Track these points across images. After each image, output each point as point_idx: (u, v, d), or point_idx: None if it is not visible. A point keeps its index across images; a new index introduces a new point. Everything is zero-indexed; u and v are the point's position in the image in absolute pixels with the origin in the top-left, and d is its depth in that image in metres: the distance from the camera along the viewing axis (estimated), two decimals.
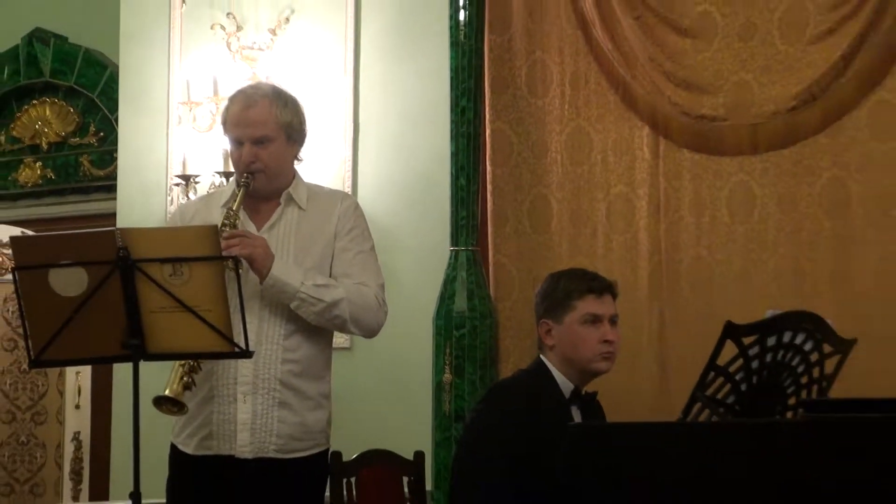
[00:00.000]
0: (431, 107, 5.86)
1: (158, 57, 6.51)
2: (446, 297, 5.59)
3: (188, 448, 4.42)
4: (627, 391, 5.06)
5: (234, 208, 4.30)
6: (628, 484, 3.49)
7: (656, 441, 3.63)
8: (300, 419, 4.39)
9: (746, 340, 3.69)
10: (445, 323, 5.58)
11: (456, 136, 5.66)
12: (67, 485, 5.95)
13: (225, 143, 4.68)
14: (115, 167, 6.74)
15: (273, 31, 6.23)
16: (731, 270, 5.40)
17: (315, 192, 4.60)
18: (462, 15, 5.68)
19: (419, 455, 5.09)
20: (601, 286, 4.44)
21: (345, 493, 4.70)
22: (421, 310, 5.66)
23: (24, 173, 7.84)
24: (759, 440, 3.46)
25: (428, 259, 5.76)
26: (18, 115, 8.00)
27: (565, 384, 4.39)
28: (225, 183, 4.59)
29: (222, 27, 6.34)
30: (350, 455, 4.75)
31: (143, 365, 3.97)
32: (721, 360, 3.69)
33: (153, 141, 6.49)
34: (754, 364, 3.74)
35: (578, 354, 4.38)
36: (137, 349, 3.98)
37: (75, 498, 5.96)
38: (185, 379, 4.20)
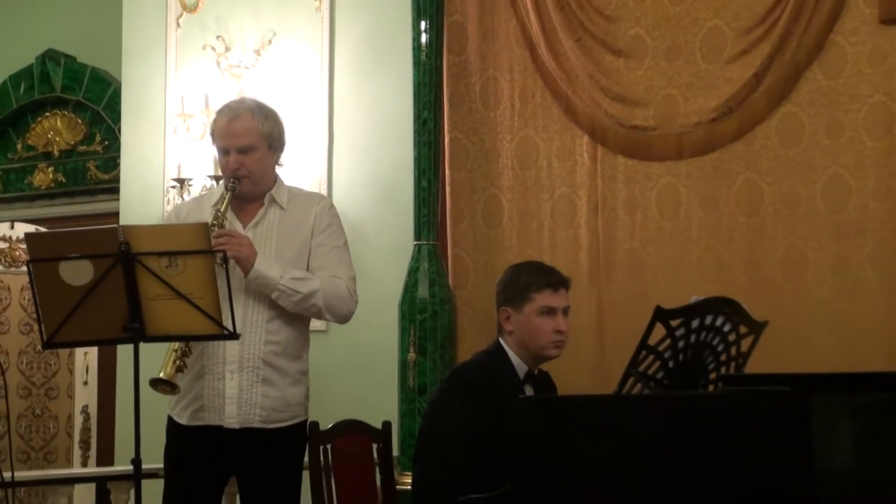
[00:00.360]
0: (397, 118, 5.87)
1: (156, 74, 6.50)
2: (410, 285, 5.60)
3: (182, 419, 4.43)
4: (571, 368, 5.07)
5: (221, 209, 4.34)
6: (571, 448, 3.51)
7: (595, 411, 3.65)
8: (281, 394, 4.40)
9: (674, 323, 3.73)
10: (409, 308, 5.59)
11: (418, 144, 5.67)
12: (77, 452, 5.94)
13: (215, 151, 4.67)
14: (118, 172, 6.73)
15: (257, 52, 6.23)
16: (660, 261, 5.42)
17: (294, 193, 4.62)
18: (424, 38, 5.68)
19: (387, 425, 5.10)
20: (557, 281, 4.44)
21: (321, 458, 4.71)
22: (388, 297, 5.67)
23: (38, 177, 7.81)
24: (684, 410, 3.49)
25: (394, 252, 5.77)
26: (33, 126, 7.98)
27: (520, 365, 4.39)
28: (215, 185, 4.59)
29: (213, 48, 6.34)
30: (326, 425, 4.76)
31: (142, 346, 4.01)
32: (651, 341, 3.73)
33: (152, 148, 6.48)
34: (680, 344, 3.77)
35: (534, 341, 4.39)
36: (138, 332, 4.00)
37: (84, 464, 5.95)
38: (177, 363, 4.24)
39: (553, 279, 4.42)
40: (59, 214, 7.63)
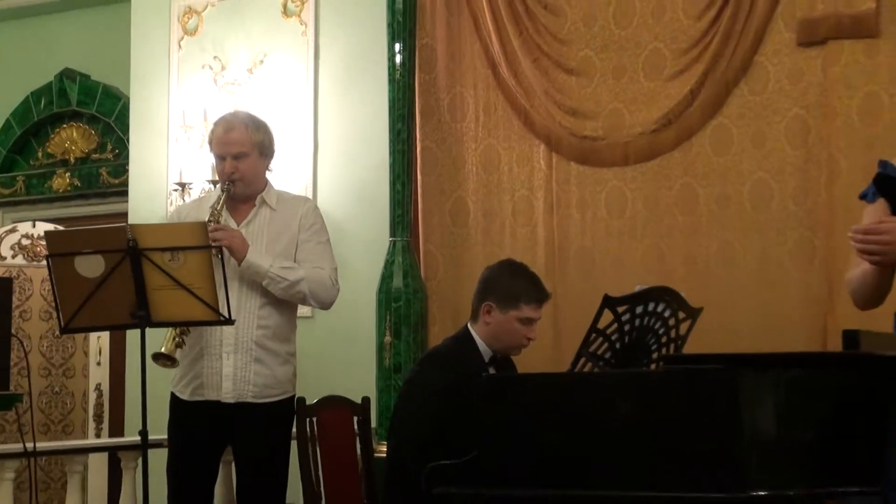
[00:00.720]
0: (374, 129, 5.85)
1: (160, 90, 6.48)
2: (386, 276, 5.59)
3: (184, 395, 4.43)
4: (529, 350, 5.04)
5: (217, 208, 4.34)
6: (528, 419, 3.52)
7: (550, 387, 3.66)
8: (271, 372, 4.40)
9: (620, 309, 3.73)
10: (386, 297, 5.58)
11: (393, 151, 5.66)
12: (91, 425, 5.91)
13: (213, 158, 4.67)
14: (127, 177, 6.70)
15: (250, 71, 6.22)
16: (608, 255, 5.43)
17: (283, 196, 4.63)
18: (398, 58, 5.68)
19: (366, 400, 5.10)
20: (543, 297, 4.43)
21: (308, 430, 4.70)
22: (366, 287, 5.65)
23: (56, 182, 7.79)
24: (629, 386, 3.50)
25: (372, 247, 5.76)
26: (52, 136, 7.95)
27: (486, 351, 4.38)
28: (213, 189, 4.58)
29: (210, 67, 6.31)
30: (312, 400, 4.75)
31: (148, 330, 4.02)
32: (600, 325, 3.71)
33: (156, 156, 6.46)
34: (626, 327, 3.77)
35: (506, 340, 4.39)
36: (144, 318, 4.00)
37: (97, 435, 5.92)
38: (176, 339, 4.26)
39: (542, 296, 4.41)
40: (75, 215, 7.61)
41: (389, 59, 5.72)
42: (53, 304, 4.16)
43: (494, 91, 5.68)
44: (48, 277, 4.09)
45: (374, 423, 5.25)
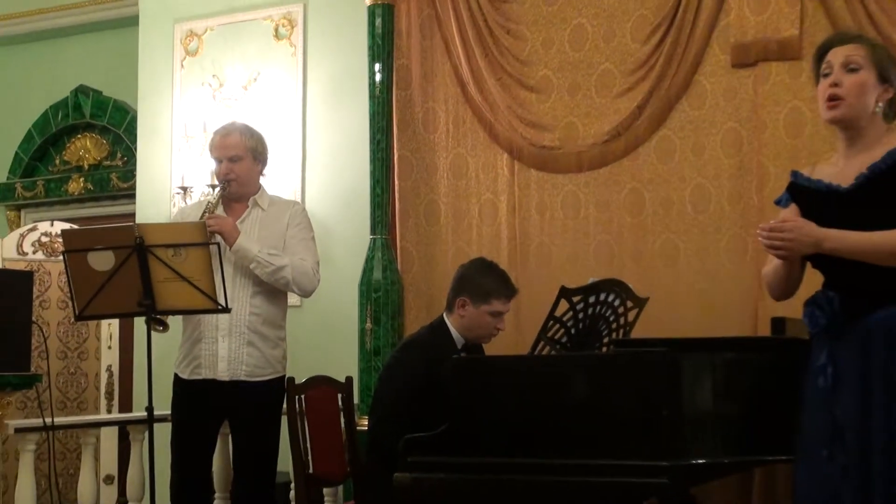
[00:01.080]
0: (356, 140, 5.84)
1: (165, 105, 6.45)
2: (367, 270, 5.58)
3: (184, 374, 4.42)
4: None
5: (212, 202, 4.39)
6: (492, 396, 3.52)
7: (512, 367, 3.67)
8: (262, 354, 4.40)
9: (575, 299, 3.75)
10: (367, 288, 5.57)
11: (374, 159, 5.64)
12: (103, 402, 5.89)
13: (211, 165, 4.67)
14: (135, 181, 6.67)
15: (245, 87, 6.20)
16: (564, 251, 5.42)
17: (274, 200, 4.64)
18: (378, 77, 5.66)
19: (349, 379, 5.10)
20: (512, 293, 4.46)
21: (297, 406, 4.69)
22: (350, 279, 5.64)
23: (72, 186, 7.75)
24: (583, 367, 3.50)
25: (354, 244, 5.74)
26: (68, 145, 7.91)
27: (459, 339, 4.41)
28: (212, 192, 4.57)
29: (209, 84, 6.30)
30: (301, 379, 4.74)
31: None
32: (557, 313, 3.74)
33: (161, 163, 6.43)
34: (580, 315, 3.79)
35: (477, 331, 4.41)
36: (150, 307, 3.99)
37: (108, 411, 5.90)
38: None
39: (510, 292, 4.44)
40: (88, 215, 7.58)
41: (370, 78, 5.71)
42: (69, 295, 4.14)
43: (463, 106, 5.67)
44: (64, 271, 4.09)
45: (356, 400, 5.24)
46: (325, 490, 5.22)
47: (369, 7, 5.71)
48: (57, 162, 7.95)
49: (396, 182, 5.71)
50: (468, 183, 5.66)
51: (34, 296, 4.84)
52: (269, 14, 6.18)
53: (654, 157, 5.26)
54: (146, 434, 4.33)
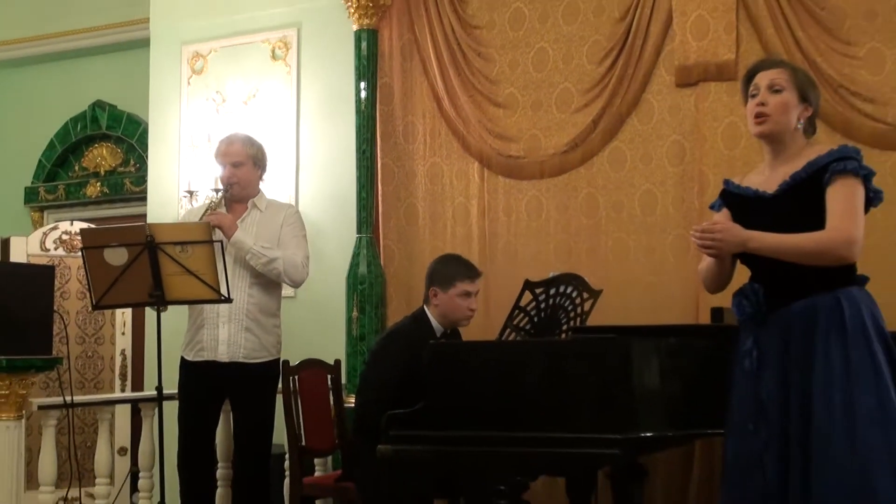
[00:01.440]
0: (344, 149, 5.82)
1: (173, 118, 6.42)
2: (354, 265, 5.57)
3: (189, 357, 4.41)
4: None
5: (215, 202, 4.38)
6: (464, 377, 3.52)
7: (481, 351, 3.67)
8: (259, 338, 4.40)
9: (537, 290, 3.76)
10: (353, 281, 5.56)
11: (360, 167, 5.64)
12: (117, 382, 5.86)
13: (215, 171, 4.65)
14: (146, 186, 6.63)
15: (245, 102, 6.17)
16: (528, 249, 5.42)
17: (272, 202, 4.64)
18: (363, 94, 5.66)
19: (337, 362, 5.10)
20: (475, 274, 4.46)
21: (291, 385, 4.70)
22: (338, 273, 5.63)
23: (89, 189, 7.73)
24: (545, 351, 3.51)
25: (342, 242, 5.73)
26: (86, 153, 7.88)
27: (438, 328, 4.41)
28: (215, 196, 4.55)
29: (213, 100, 6.27)
30: (294, 362, 4.74)
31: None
32: (522, 303, 3.74)
33: (169, 169, 6.40)
34: (542, 305, 3.80)
35: (453, 315, 4.41)
36: (159, 298, 3.99)
37: (122, 390, 5.88)
38: None
39: (473, 273, 4.44)
40: (104, 216, 7.55)
41: (356, 95, 5.71)
42: (87, 287, 4.12)
43: (438, 120, 5.67)
44: (83, 265, 4.07)
45: (343, 381, 5.24)
46: (316, 460, 5.21)
47: (356, 32, 5.71)
48: (76, 168, 7.91)
49: (380, 187, 5.70)
50: (443, 188, 5.66)
51: (55, 287, 4.81)
52: (266, 37, 6.16)
53: (607, 165, 5.27)
54: (156, 411, 4.32)
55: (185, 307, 4.43)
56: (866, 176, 3.02)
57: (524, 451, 3.36)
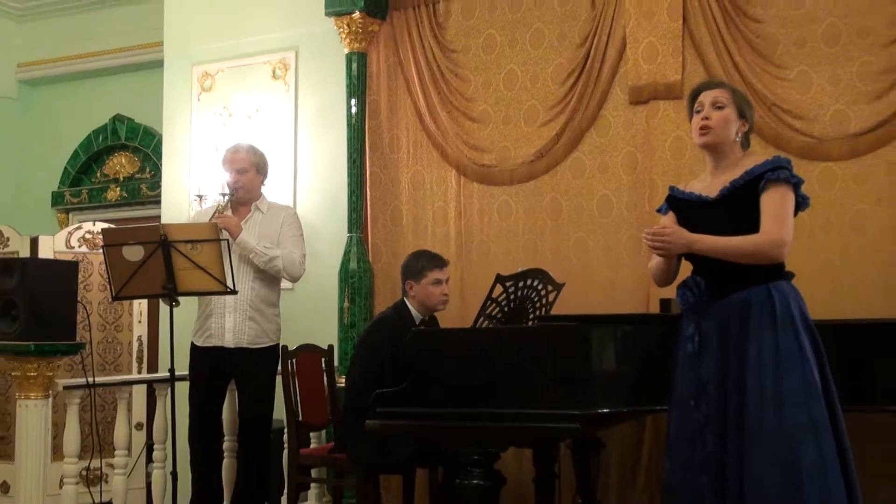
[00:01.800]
0: (337, 158, 5.80)
1: (184, 130, 6.39)
2: (345, 261, 5.55)
3: (199, 342, 4.40)
4: (445, 313, 5.06)
5: (222, 205, 4.35)
6: (443, 360, 3.52)
7: (457, 337, 3.67)
8: (260, 326, 4.38)
9: (507, 283, 3.75)
10: (345, 275, 5.54)
11: (350, 174, 5.62)
12: (135, 365, 5.83)
13: (222, 177, 4.63)
14: (160, 190, 6.59)
15: (249, 117, 6.15)
16: (499, 247, 5.41)
17: (272, 205, 4.62)
18: (353, 109, 5.65)
19: (330, 347, 5.09)
20: (443, 263, 4.47)
21: (289, 367, 4.68)
22: (332, 268, 5.61)
23: (110, 194, 7.70)
24: (514, 337, 3.51)
25: (335, 240, 5.70)
26: (107, 161, 7.85)
27: (417, 316, 4.42)
28: (222, 199, 4.53)
29: (220, 114, 6.24)
30: (292, 347, 4.73)
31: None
32: (494, 295, 3.74)
33: (181, 176, 6.37)
34: (512, 296, 3.79)
35: (429, 301, 4.42)
36: (172, 290, 3.96)
37: (139, 372, 5.85)
38: None
39: (440, 262, 4.45)
40: (123, 217, 7.52)
41: (347, 110, 5.69)
42: (107, 280, 4.09)
43: (420, 133, 5.66)
44: (104, 261, 4.04)
45: (336, 363, 5.23)
46: (311, 434, 5.20)
47: (347, 55, 5.70)
48: (98, 175, 7.88)
49: (368, 192, 5.69)
50: (424, 193, 5.65)
51: (79, 281, 4.78)
52: (267, 59, 6.13)
53: (569, 173, 5.28)
54: (168, 390, 4.30)
55: (195, 298, 4.41)
56: (796, 184, 3.05)
57: (495, 426, 3.36)
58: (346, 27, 5.69)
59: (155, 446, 4.81)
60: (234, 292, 4.04)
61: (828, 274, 4.55)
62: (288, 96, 6.06)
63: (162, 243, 3.90)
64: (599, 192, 5.20)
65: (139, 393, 5.66)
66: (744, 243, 2.98)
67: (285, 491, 4.83)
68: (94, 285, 5.73)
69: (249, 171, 4.44)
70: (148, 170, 7.60)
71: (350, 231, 5.63)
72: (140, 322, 5.87)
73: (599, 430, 4.42)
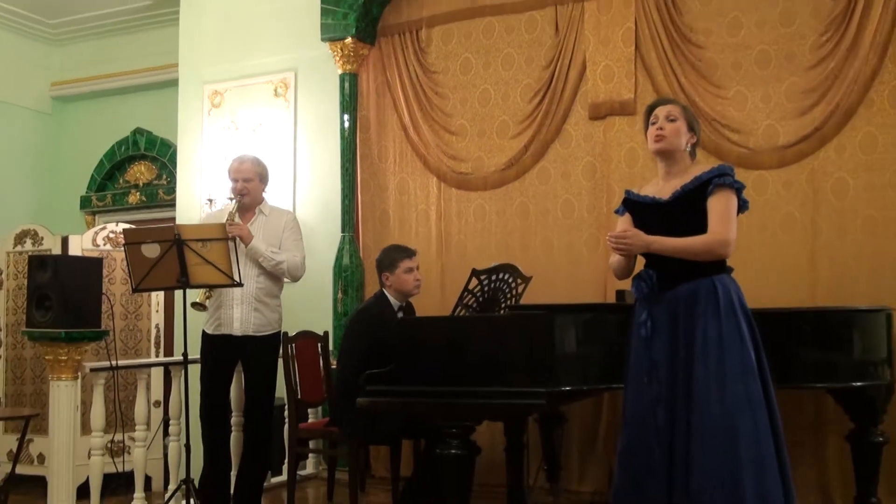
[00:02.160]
0: (331, 167, 5.78)
1: (196, 142, 6.35)
2: (339, 257, 5.54)
3: (210, 330, 4.34)
4: (427, 304, 5.07)
5: (233, 212, 4.28)
6: (425, 345, 3.50)
7: (437, 324, 3.65)
8: (265, 316, 4.34)
9: (482, 277, 3.73)
10: (339, 269, 5.53)
11: (343, 180, 5.61)
12: (153, 350, 5.77)
13: (229, 185, 4.57)
14: (175, 195, 6.53)
15: (254, 130, 6.10)
16: (475, 245, 5.42)
17: (274, 208, 4.56)
18: (346, 123, 5.64)
19: (326, 333, 5.06)
20: (411, 253, 4.44)
21: (289, 352, 4.64)
22: (327, 263, 5.60)
23: (130, 198, 7.61)
24: (488, 324, 3.50)
25: (330, 239, 5.69)
26: (128, 169, 7.75)
27: (395, 303, 4.39)
28: (229, 202, 4.49)
29: (228, 127, 6.20)
30: (292, 333, 4.69)
31: (187, 290, 3.91)
32: (470, 287, 3.73)
33: (194, 182, 6.33)
34: (486, 288, 3.79)
35: (404, 288, 4.39)
36: (185, 283, 3.91)
37: (157, 356, 5.78)
38: (207, 293, 4.17)
39: (409, 252, 4.44)
40: (142, 218, 7.44)
41: (341, 124, 5.67)
42: (128, 274, 4.04)
43: (405, 144, 5.65)
44: (125, 258, 3.99)
45: (331, 347, 5.20)
46: (309, 410, 5.18)
47: (340, 75, 5.69)
48: (120, 181, 7.79)
49: (359, 196, 5.67)
50: (409, 198, 5.63)
51: (104, 275, 4.72)
52: (270, 79, 6.09)
53: (536, 180, 5.28)
54: (182, 372, 4.26)
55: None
56: (739, 189, 3.06)
57: (471, 402, 3.35)
58: (339, 51, 5.67)
59: (171, 422, 4.76)
60: (239, 285, 4.00)
61: (761, 268, 4.57)
62: (288, 112, 6.02)
63: (176, 242, 3.85)
64: (563, 196, 5.19)
65: (157, 374, 5.60)
66: (695, 243, 2.99)
67: (286, 460, 4.80)
68: (117, 279, 5.66)
69: (254, 179, 4.39)
70: (164, 177, 7.53)
71: (343, 231, 5.61)
72: (157, 312, 5.81)
73: (563, 405, 4.42)
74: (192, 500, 3.99)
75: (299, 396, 4.69)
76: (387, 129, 5.70)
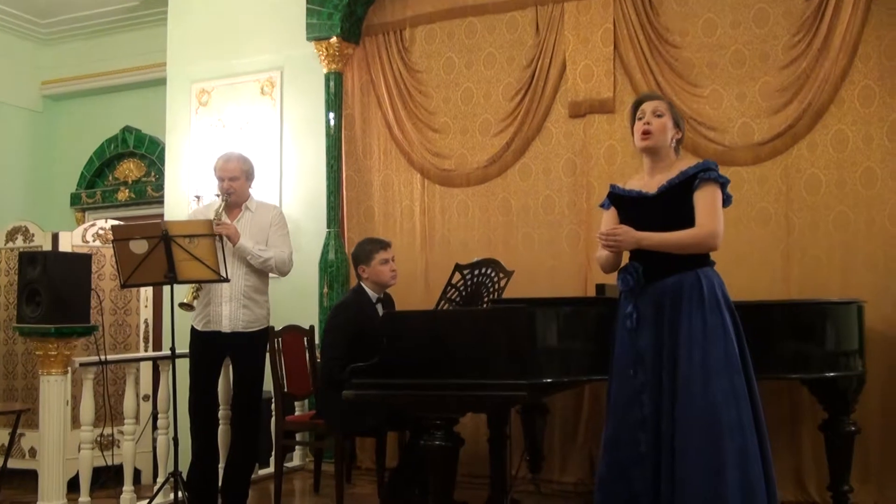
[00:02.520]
0: (317, 164, 5.73)
1: (184, 139, 6.29)
2: (324, 252, 5.50)
3: (199, 326, 4.28)
4: (410, 298, 5.03)
5: (219, 211, 4.20)
6: (408, 338, 3.46)
7: (421, 318, 3.61)
8: (253, 312, 4.28)
9: (465, 271, 3.70)
10: (324, 264, 5.49)
11: (329, 177, 5.57)
12: (142, 344, 5.70)
13: (216, 182, 4.50)
14: (163, 192, 6.47)
15: (241, 128, 6.05)
16: (458, 240, 5.39)
17: (260, 204, 4.49)
18: (332, 121, 5.60)
19: (312, 327, 5.02)
20: (386, 244, 4.42)
21: (276, 346, 4.59)
22: (313, 258, 5.56)
23: (120, 194, 7.53)
24: (471, 318, 3.46)
25: (316, 234, 5.65)
26: (117, 167, 7.66)
27: (373, 295, 4.35)
28: (216, 199, 4.42)
29: (215, 125, 6.14)
30: (279, 328, 4.64)
31: (174, 286, 3.88)
32: (453, 281, 3.69)
33: (181, 179, 6.27)
34: (469, 282, 3.75)
35: (380, 280, 4.35)
36: (173, 278, 3.85)
37: (145, 350, 5.72)
38: (193, 293, 4.10)
39: (383, 244, 4.41)
40: (132, 215, 7.34)
41: (326, 122, 5.63)
42: (116, 270, 3.98)
43: (389, 141, 5.61)
44: (114, 253, 3.93)
45: (317, 341, 5.15)
46: (295, 403, 5.13)
47: (326, 74, 5.64)
48: (110, 178, 7.71)
49: (344, 192, 5.62)
50: (393, 194, 5.59)
51: (93, 271, 4.65)
52: (256, 78, 6.03)
53: (518, 177, 5.25)
54: (171, 366, 4.19)
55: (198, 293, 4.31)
56: (724, 183, 3.04)
57: (455, 394, 3.32)
58: (325, 50, 5.62)
59: (159, 415, 4.70)
60: (226, 280, 3.94)
61: (736, 262, 4.56)
62: (274, 110, 5.96)
63: (163, 238, 3.79)
64: (544, 192, 5.17)
65: (146, 369, 5.53)
66: (684, 237, 2.97)
67: (273, 452, 4.75)
68: (106, 275, 5.58)
69: (240, 178, 4.32)
70: (153, 174, 7.45)
71: (329, 227, 5.56)
72: (146, 307, 5.74)
73: (544, 396, 4.39)
74: (180, 493, 3.93)
75: (286, 389, 4.64)
76: (371, 127, 5.66)
